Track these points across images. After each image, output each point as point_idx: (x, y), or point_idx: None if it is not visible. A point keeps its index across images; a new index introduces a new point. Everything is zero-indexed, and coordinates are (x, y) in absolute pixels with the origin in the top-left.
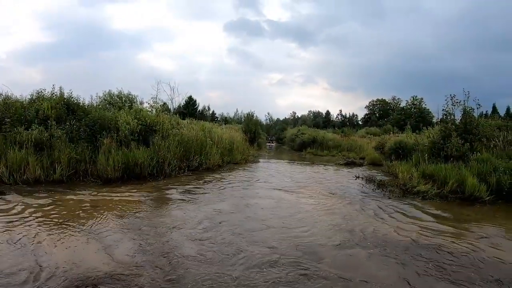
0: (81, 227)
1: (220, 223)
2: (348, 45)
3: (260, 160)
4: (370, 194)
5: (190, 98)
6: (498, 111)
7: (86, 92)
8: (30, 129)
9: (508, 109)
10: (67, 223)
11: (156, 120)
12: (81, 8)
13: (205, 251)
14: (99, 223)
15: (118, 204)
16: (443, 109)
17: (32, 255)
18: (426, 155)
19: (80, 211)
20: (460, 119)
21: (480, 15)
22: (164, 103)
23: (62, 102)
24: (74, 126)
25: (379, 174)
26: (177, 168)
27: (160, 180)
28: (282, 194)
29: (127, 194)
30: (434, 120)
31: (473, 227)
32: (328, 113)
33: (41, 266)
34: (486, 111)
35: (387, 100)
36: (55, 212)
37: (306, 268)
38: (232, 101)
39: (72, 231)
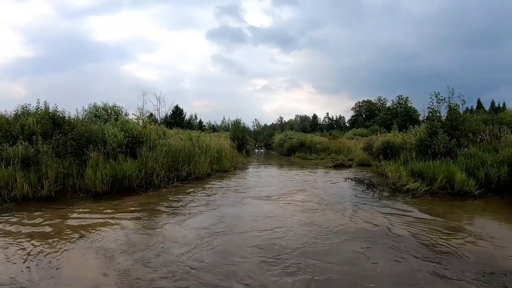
0: (64, 252)
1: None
2: (330, 47)
3: (249, 166)
4: (360, 195)
5: (177, 107)
6: (483, 105)
7: (71, 105)
8: (15, 145)
9: (492, 102)
10: (55, 244)
11: (143, 131)
12: (62, 21)
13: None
14: (90, 242)
15: (106, 223)
16: (428, 107)
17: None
18: (414, 153)
19: (65, 233)
20: (446, 116)
21: (458, 12)
22: (151, 114)
23: (47, 117)
24: (61, 140)
25: (368, 175)
26: (166, 179)
27: (149, 192)
28: (272, 202)
29: (114, 210)
30: (421, 118)
31: (463, 221)
32: (315, 116)
33: None
34: (472, 107)
35: (373, 101)
36: (42, 232)
37: None
38: (219, 109)
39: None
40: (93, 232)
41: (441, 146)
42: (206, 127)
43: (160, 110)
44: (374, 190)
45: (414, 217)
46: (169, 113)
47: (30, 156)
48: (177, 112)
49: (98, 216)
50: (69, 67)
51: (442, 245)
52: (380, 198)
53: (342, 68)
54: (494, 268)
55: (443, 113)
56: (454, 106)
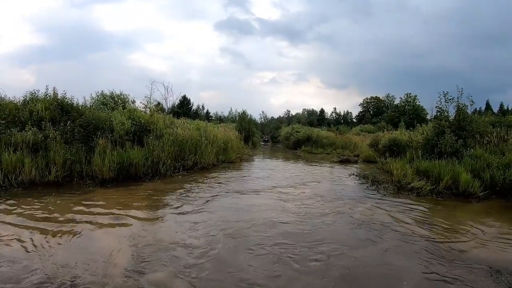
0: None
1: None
2: (338, 42)
3: (255, 158)
4: (364, 191)
5: (184, 97)
6: (492, 107)
7: (79, 93)
8: (24, 131)
9: (501, 105)
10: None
11: (150, 120)
12: (71, 10)
13: None
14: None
15: (117, 212)
16: (436, 106)
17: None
18: (420, 151)
19: (77, 219)
20: (454, 116)
21: (469, 10)
22: (159, 103)
23: (56, 103)
24: (69, 127)
25: (374, 171)
26: (172, 168)
27: (155, 181)
28: (274, 195)
29: (120, 199)
30: (428, 117)
31: (466, 221)
32: (322, 111)
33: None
34: (480, 108)
35: (381, 98)
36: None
37: None
38: (226, 101)
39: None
40: (104, 220)
41: (448, 146)
42: (213, 118)
43: (168, 99)
44: (378, 187)
45: (416, 215)
46: (176, 103)
47: (38, 142)
48: (185, 102)
49: (108, 203)
50: (77, 55)
51: (443, 243)
52: (385, 195)
53: (350, 63)
54: (499, 267)
55: (451, 113)
56: (463, 106)
